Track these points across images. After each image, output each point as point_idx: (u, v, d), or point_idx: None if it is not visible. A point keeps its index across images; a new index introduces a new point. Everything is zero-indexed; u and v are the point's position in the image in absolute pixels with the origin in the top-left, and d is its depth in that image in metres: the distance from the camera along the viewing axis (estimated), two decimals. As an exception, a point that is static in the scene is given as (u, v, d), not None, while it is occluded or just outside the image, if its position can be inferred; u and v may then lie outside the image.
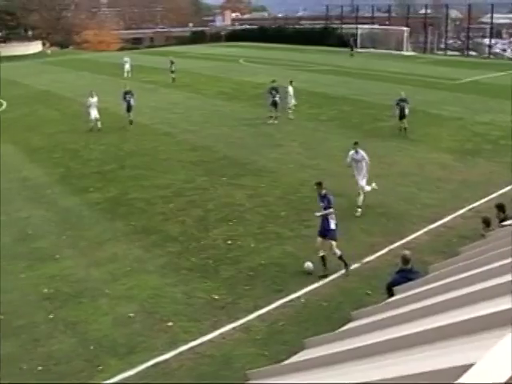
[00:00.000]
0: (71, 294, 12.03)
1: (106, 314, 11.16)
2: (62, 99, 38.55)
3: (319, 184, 12.37)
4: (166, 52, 70.59)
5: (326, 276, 12.11)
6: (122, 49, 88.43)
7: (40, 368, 9.69)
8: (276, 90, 26.36)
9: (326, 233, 12.06)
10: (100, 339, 10.35)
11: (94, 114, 26.10)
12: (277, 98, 26.13)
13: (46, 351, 10.17)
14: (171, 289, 11.83)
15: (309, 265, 12.18)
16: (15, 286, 12.51)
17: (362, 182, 15.42)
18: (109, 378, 9.30)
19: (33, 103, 37.67)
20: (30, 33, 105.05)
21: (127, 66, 47.24)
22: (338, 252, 12.05)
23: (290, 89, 26.81)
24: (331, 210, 12.07)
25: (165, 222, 15.29)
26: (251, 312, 10.81)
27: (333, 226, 12.03)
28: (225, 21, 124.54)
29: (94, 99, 26.46)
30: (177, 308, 11.10)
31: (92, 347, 10.15)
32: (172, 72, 42.54)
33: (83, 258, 13.65)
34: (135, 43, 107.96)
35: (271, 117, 26.49)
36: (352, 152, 15.54)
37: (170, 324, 10.60)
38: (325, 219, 12.08)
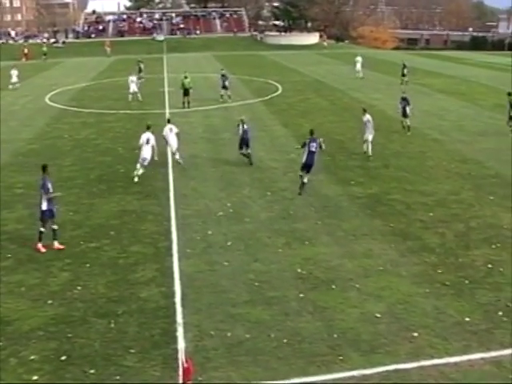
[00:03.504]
0: (323, 279, 12.46)
1: (353, 306, 11.33)
2: (333, 90, 40.02)
3: None
4: (443, 56, 68.62)
5: None
6: (396, 48, 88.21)
7: (285, 340, 10.24)
8: None
9: None
10: (345, 330, 10.55)
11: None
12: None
13: (293, 326, 10.70)
14: (422, 299, 11.52)
15: None
16: (273, 260, 13.41)
17: None
18: (349, 370, 9.43)
19: (306, 91, 39.81)
20: (309, 24, 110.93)
21: (358, 66, 46.86)
22: None
23: None
24: None
25: (423, 231, 14.92)
26: (507, 347, 9.99)
27: None
28: (510, 28, 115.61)
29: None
30: (425, 320, 10.78)
31: (336, 335, 10.39)
32: (403, 75, 41.33)
33: (338, 248, 14.03)
34: (410, 43, 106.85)
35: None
36: None
37: (416, 335, 10.33)
38: None
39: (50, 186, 14.18)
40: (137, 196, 18.08)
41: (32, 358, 9.89)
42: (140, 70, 45.18)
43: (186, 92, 32.91)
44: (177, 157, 20.94)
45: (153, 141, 19.61)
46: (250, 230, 15.14)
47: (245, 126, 21.68)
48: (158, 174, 20.27)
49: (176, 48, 77.04)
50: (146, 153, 19.49)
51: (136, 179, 19.43)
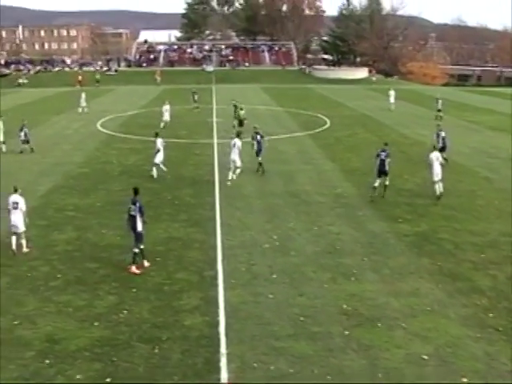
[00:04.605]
0: (368, 316, 12.28)
1: (399, 346, 11.10)
2: (381, 126, 39.88)
3: None
4: (495, 92, 67.71)
5: None
6: (446, 84, 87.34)
7: (329, 377, 10.10)
8: None
9: None
10: (389, 370, 10.33)
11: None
12: None
13: (337, 363, 10.56)
14: (472, 343, 11.19)
15: None
16: (318, 294, 13.30)
17: None
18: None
19: (354, 125, 39.78)
20: (358, 59, 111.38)
21: (391, 99, 48.49)
22: None
23: None
24: None
25: (473, 272, 14.55)
26: None
27: None
28: None
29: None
30: (475, 366, 10.44)
31: (380, 375, 10.19)
32: (439, 111, 41.04)
33: (384, 285, 13.82)
34: (461, 80, 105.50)
35: None
36: None
37: (465, 380, 10.03)
38: None
39: (132, 207, 14.64)
40: (183, 223, 18.29)
41: (78, 377, 10.09)
42: (194, 100, 46.46)
43: (240, 123, 33.37)
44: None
45: (237, 148, 23.39)
46: (296, 264, 15.08)
47: (258, 137, 24.54)
48: (205, 204, 20.50)
49: (224, 79, 78.35)
50: (234, 156, 23.12)
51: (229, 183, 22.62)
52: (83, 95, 46.74)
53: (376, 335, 11.53)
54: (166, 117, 37.64)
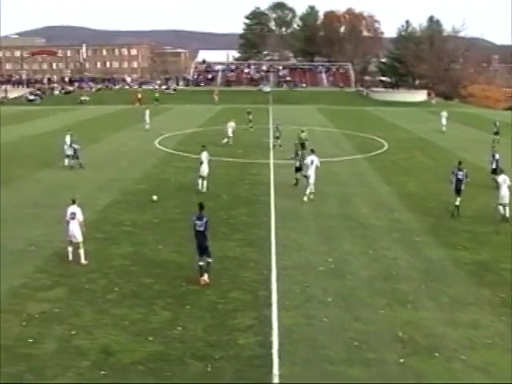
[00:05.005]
0: (424, 345, 11.96)
1: (458, 378, 10.76)
2: (440, 149, 39.15)
3: None
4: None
5: None
6: (510, 108, 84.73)
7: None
8: None
9: None
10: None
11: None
12: None
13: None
14: (536, 380, 10.72)
15: None
16: (373, 320, 13.06)
17: None
18: None
19: (411, 149, 39.20)
20: (416, 81, 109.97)
21: (443, 121, 48.46)
22: None
23: None
24: None
25: (536, 305, 13.99)
26: None
27: None
28: None
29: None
30: (539, 403, 10.01)
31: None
32: (496, 134, 39.81)
33: (442, 314, 13.44)
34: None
35: None
36: None
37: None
38: None
39: (199, 223, 14.90)
40: (238, 243, 18.38)
41: (132, 391, 10.17)
42: (249, 120, 47.21)
43: (302, 145, 33.38)
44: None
45: (315, 165, 24.44)
46: (351, 288, 14.88)
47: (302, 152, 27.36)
48: (260, 223, 20.55)
49: (281, 99, 78.76)
50: (310, 171, 24.12)
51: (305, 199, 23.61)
52: (147, 112, 48.51)
53: (433, 365, 11.21)
54: (230, 133, 39.19)
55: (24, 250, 17.60)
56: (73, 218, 16.33)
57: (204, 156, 25.74)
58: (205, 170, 25.50)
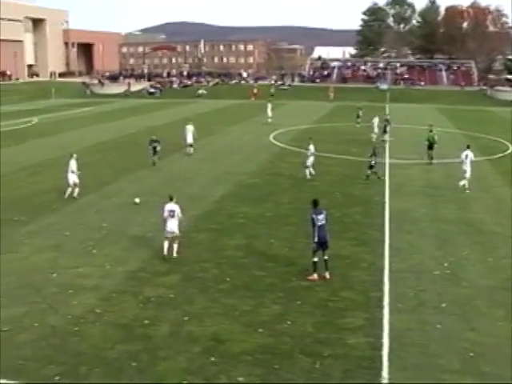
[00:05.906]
0: None
1: None
2: None
3: None
4: None
5: None
6: None
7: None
8: None
9: None
10: None
11: None
12: None
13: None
14: None
15: None
16: (490, 332, 12.33)
17: None
18: None
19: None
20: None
21: None
22: None
23: None
24: None
25: None
26: None
27: None
28: None
29: None
30: None
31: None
32: None
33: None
34: None
35: None
36: None
37: None
38: None
39: (320, 217, 15.00)
40: (351, 242, 18.15)
41: (240, 379, 10.38)
42: (358, 116, 46.48)
43: (430, 146, 32.20)
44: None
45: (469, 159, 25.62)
46: (467, 295, 14.21)
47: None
48: (374, 224, 20.18)
49: (398, 98, 76.68)
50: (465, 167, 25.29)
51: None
52: (269, 105, 50.05)
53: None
54: (375, 129, 40.06)
55: (142, 236, 18.50)
56: (172, 216, 16.36)
57: (312, 148, 27.22)
58: (311, 160, 27.21)
